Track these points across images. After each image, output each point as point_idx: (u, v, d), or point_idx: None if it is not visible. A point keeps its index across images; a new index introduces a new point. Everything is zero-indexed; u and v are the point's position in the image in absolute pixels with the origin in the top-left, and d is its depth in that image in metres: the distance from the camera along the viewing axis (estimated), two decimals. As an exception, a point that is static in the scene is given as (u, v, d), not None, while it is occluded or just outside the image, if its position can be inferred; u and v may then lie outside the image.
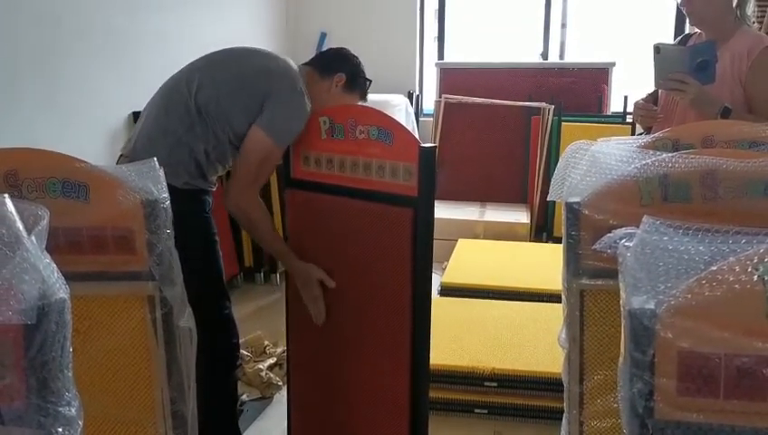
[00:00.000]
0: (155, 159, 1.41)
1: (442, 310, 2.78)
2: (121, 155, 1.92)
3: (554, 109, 4.70)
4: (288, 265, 1.88)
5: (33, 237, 0.90)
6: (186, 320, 1.40)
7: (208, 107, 1.81)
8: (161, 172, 1.38)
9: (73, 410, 0.89)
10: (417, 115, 5.02)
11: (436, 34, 5.36)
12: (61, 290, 0.88)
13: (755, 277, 0.85)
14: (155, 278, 1.35)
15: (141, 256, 1.35)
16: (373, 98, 2.11)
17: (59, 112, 2.85)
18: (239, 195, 1.81)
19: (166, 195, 1.36)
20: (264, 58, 1.92)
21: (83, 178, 1.33)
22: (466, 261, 3.66)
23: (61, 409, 0.88)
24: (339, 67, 1.96)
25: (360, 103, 2.02)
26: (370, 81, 2.03)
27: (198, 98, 1.82)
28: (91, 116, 3.05)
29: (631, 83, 4.72)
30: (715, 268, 0.87)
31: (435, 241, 1.67)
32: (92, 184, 1.33)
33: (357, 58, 2.01)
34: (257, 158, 1.79)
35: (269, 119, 1.79)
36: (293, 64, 1.91)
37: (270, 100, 1.79)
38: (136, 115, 3.27)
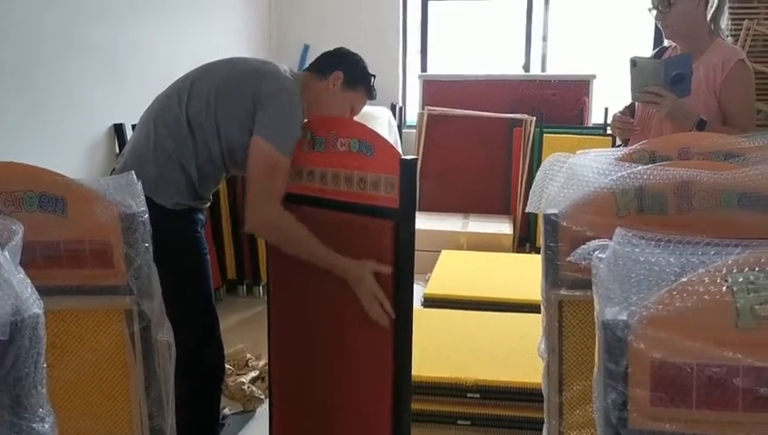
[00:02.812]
0: (133, 172, 1.41)
1: (425, 321, 2.78)
2: (113, 170, 1.87)
3: (536, 120, 4.75)
4: (336, 267, 1.68)
5: (6, 252, 0.90)
6: (164, 334, 1.39)
7: (199, 117, 1.76)
8: (140, 186, 1.38)
9: (47, 426, 0.88)
10: (400, 127, 5.04)
11: (419, 47, 5.39)
12: (34, 305, 0.87)
13: (725, 288, 0.87)
14: (133, 292, 1.35)
15: (119, 269, 1.34)
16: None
17: (39, 125, 2.83)
18: (259, 213, 1.70)
19: (144, 208, 1.35)
20: (254, 62, 1.87)
21: (60, 192, 1.33)
22: (450, 272, 3.66)
23: (34, 425, 0.87)
24: (335, 65, 1.87)
25: (367, 101, 1.94)
26: (374, 75, 1.93)
27: (189, 109, 1.77)
28: (71, 128, 3.03)
29: (612, 96, 4.78)
30: (685, 279, 0.89)
31: (418, 252, 1.67)
32: (70, 197, 1.33)
33: (356, 55, 1.92)
34: (265, 168, 1.69)
35: (265, 125, 1.71)
36: (286, 68, 1.84)
37: (262, 104, 1.72)
38: (117, 127, 3.25)
